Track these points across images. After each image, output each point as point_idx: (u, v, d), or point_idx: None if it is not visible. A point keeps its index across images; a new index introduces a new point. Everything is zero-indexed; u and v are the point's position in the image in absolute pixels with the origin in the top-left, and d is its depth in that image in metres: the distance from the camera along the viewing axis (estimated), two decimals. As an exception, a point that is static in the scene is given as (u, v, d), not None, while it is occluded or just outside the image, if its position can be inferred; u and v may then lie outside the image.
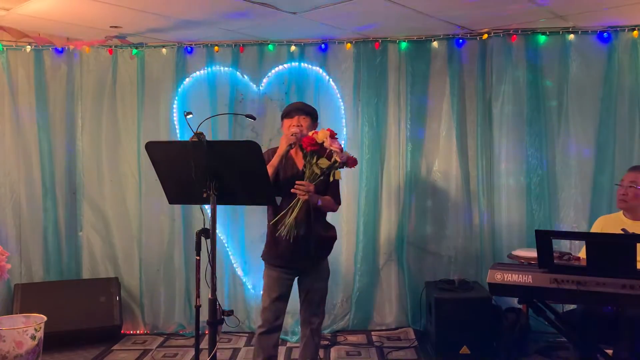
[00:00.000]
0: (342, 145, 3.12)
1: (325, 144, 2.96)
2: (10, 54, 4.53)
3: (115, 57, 4.63)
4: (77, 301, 4.37)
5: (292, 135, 3.09)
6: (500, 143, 4.45)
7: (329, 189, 3.16)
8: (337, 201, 3.26)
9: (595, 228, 3.47)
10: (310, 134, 3.03)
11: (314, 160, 3.01)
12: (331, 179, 3.04)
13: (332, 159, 2.98)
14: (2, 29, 3.61)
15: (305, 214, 3.07)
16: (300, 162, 3.16)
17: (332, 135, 3.00)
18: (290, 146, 3.11)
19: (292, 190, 3.01)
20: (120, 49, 4.63)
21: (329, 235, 3.31)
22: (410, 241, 4.57)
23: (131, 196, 4.66)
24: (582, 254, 3.10)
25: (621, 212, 3.37)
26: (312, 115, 3.21)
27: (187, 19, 3.95)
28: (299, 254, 3.14)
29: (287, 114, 3.22)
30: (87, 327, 4.34)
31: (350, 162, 3.09)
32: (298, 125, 3.12)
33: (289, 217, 3.02)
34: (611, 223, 3.34)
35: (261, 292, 3.32)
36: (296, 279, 3.29)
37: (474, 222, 4.51)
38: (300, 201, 3.02)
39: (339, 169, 3.06)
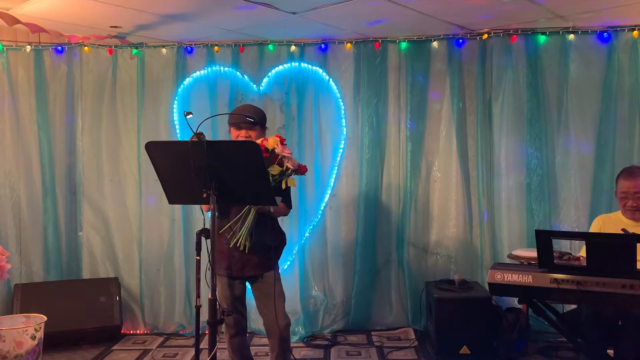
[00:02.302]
0: (293, 151, 3.02)
1: (276, 151, 2.90)
2: (10, 54, 4.52)
3: (115, 57, 4.63)
4: (77, 301, 4.36)
5: None
6: (500, 143, 4.44)
7: (282, 194, 3.04)
8: (289, 205, 3.17)
9: (594, 227, 3.46)
10: (259, 141, 2.94)
11: None
12: (283, 186, 2.95)
13: (284, 166, 2.92)
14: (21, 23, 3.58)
15: (256, 222, 3.00)
16: None
17: (282, 142, 2.94)
18: None
19: None
20: (120, 49, 4.63)
21: (279, 244, 3.21)
22: (410, 241, 4.57)
23: (131, 196, 4.66)
24: (582, 253, 3.10)
25: (620, 211, 3.36)
26: (260, 123, 3.13)
27: (187, 18, 3.95)
28: (249, 263, 3.07)
29: (234, 124, 3.13)
30: (87, 327, 4.34)
31: (301, 169, 3.02)
32: (247, 137, 3.07)
33: (240, 226, 2.96)
34: (611, 222, 3.34)
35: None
36: (249, 288, 3.20)
37: (474, 222, 4.51)
38: (251, 210, 2.96)
39: (291, 177, 2.98)
